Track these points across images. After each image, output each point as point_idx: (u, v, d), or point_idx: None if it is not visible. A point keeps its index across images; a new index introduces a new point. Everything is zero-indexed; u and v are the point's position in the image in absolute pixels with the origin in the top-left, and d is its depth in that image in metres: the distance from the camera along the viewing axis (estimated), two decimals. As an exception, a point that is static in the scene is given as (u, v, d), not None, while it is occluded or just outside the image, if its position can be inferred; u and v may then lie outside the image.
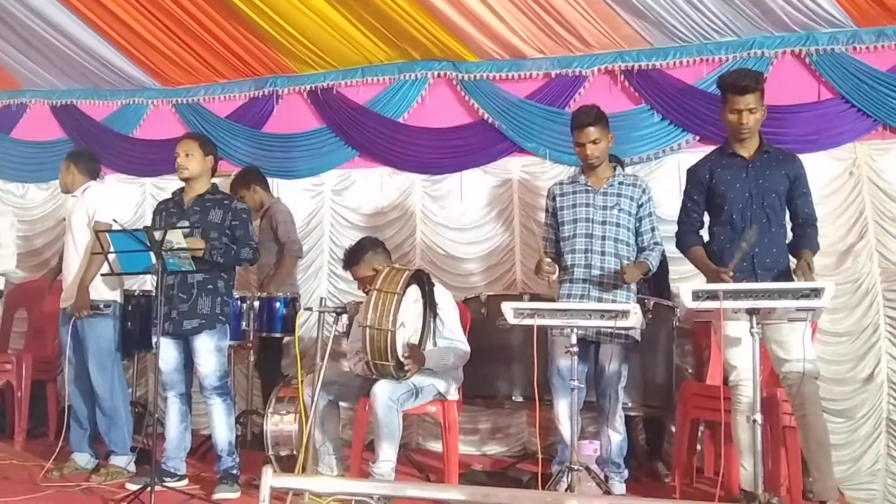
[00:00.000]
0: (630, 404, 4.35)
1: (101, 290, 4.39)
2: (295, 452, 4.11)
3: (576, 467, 3.56)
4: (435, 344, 4.08)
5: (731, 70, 3.91)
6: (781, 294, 3.13)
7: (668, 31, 4.99)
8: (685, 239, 3.85)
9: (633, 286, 4.03)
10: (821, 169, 4.66)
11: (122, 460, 4.44)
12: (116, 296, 4.49)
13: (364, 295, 4.07)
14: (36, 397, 5.44)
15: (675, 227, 3.94)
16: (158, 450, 4.07)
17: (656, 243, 4.08)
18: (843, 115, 4.83)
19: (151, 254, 3.84)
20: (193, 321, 4.13)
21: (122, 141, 6.39)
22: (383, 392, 3.80)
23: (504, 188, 5.55)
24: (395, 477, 3.88)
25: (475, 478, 4.49)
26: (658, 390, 4.51)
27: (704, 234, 3.88)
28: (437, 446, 5.12)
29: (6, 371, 5.33)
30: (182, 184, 4.36)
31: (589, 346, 4.00)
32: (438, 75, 5.68)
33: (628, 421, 4.27)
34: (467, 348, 4.17)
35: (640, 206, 4.07)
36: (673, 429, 4.65)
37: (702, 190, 3.78)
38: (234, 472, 4.18)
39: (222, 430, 4.19)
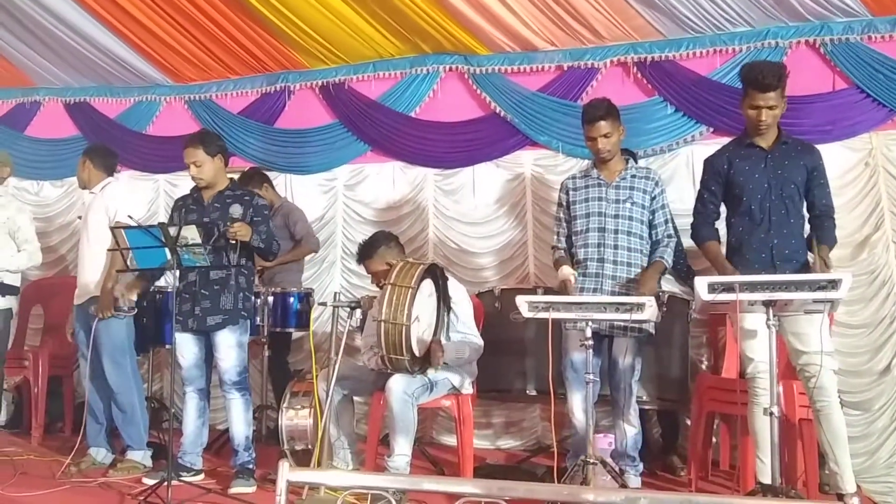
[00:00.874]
0: (645, 397, 4.34)
1: (118, 289, 4.40)
2: (310, 447, 4.12)
3: (591, 461, 3.56)
4: (449, 338, 4.09)
5: (754, 62, 3.84)
6: (798, 286, 3.11)
7: (680, 22, 4.96)
8: (701, 231, 3.83)
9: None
10: (836, 159, 4.63)
11: (139, 455, 4.47)
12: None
13: (378, 289, 4.07)
14: (52, 393, 5.48)
15: (689, 221, 3.92)
16: (175, 444, 4.10)
17: (669, 236, 4.06)
18: (859, 105, 4.78)
19: (167, 250, 3.85)
20: (217, 317, 4.15)
21: (135, 138, 6.41)
22: (398, 386, 3.81)
23: (517, 182, 5.53)
24: (410, 471, 3.89)
25: (490, 472, 4.49)
26: (673, 383, 4.50)
27: (719, 226, 3.86)
28: (451, 440, 5.12)
29: (23, 367, 5.39)
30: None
31: (602, 340, 3.99)
32: (450, 69, 5.66)
33: (643, 414, 4.26)
34: (481, 342, 4.17)
35: (653, 199, 4.06)
36: (688, 422, 4.64)
37: (719, 181, 3.76)
38: (250, 466, 4.20)
39: (240, 425, 4.22)
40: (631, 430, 3.98)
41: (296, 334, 5.45)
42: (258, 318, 4.84)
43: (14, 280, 4.83)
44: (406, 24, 5.38)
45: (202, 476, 4.29)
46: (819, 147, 3.83)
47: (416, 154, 5.76)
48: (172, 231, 3.83)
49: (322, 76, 5.97)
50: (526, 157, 5.51)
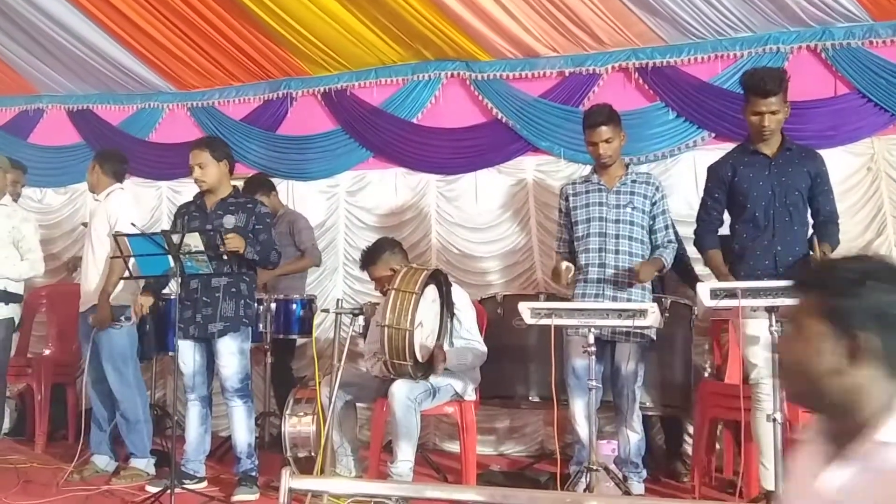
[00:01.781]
0: (648, 404, 4.33)
1: (119, 297, 4.41)
2: (313, 454, 4.12)
3: (594, 467, 3.55)
4: (452, 344, 4.09)
5: (754, 69, 3.86)
6: (800, 291, 3.10)
7: (682, 28, 4.97)
8: (704, 240, 3.83)
9: (648, 284, 4.02)
10: (838, 165, 4.61)
11: (142, 463, 4.47)
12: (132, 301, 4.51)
13: (381, 295, 4.07)
14: (56, 400, 5.48)
15: (691, 228, 3.92)
16: (178, 452, 4.10)
17: (670, 241, 4.06)
18: (861, 110, 4.79)
19: (170, 257, 3.86)
20: (218, 324, 4.15)
21: (137, 145, 6.41)
22: (401, 392, 3.81)
23: (519, 187, 5.53)
24: (413, 477, 3.88)
25: (493, 478, 4.48)
26: (676, 390, 4.49)
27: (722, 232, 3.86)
28: (454, 447, 5.11)
29: (26, 375, 5.38)
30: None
31: (605, 346, 3.98)
32: (452, 75, 5.67)
33: (646, 420, 4.25)
34: (484, 348, 4.17)
35: (653, 204, 4.05)
36: (691, 428, 4.63)
37: (723, 188, 3.77)
38: (253, 473, 4.19)
39: (242, 433, 4.21)
40: (634, 436, 3.97)
41: (299, 341, 5.46)
42: (261, 325, 4.85)
43: (17, 288, 4.84)
44: (408, 31, 5.39)
45: (205, 484, 4.29)
46: (821, 152, 3.84)
47: (418, 160, 5.77)
48: (175, 238, 3.83)
49: (324, 83, 5.97)
50: (528, 163, 5.51)
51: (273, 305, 4.97)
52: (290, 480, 1.90)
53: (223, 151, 4.31)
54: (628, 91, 5.25)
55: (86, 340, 4.56)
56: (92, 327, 4.41)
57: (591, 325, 3.53)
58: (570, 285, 4.07)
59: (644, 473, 4.04)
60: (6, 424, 5.61)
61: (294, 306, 5.09)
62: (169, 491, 3.72)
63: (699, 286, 3.26)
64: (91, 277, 4.53)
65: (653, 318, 3.45)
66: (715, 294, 3.17)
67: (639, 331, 3.82)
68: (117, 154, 4.84)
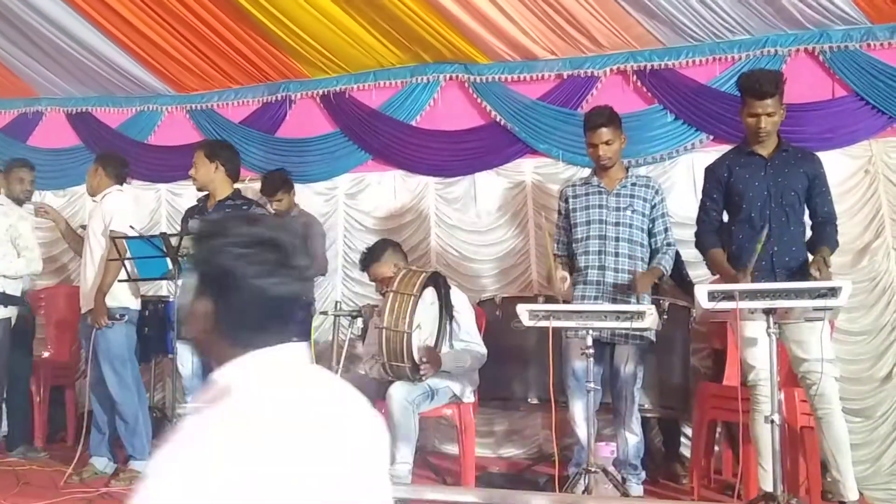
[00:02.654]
0: (646, 405, 4.34)
1: (118, 298, 4.41)
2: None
3: (593, 469, 3.55)
4: (451, 346, 4.09)
5: (751, 71, 3.85)
6: (798, 294, 3.12)
7: (680, 31, 4.98)
8: (705, 240, 3.83)
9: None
10: (836, 167, 4.62)
11: (141, 465, 4.46)
12: (132, 302, 4.51)
13: (381, 297, 4.07)
14: (55, 403, 5.48)
15: (689, 230, 3.92)
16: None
17: (669, 244, 4.07)
18: (858, 113, 4.80)
19: (168, 259, 3.86)
20: None
21: (136, 147, 6.41)
22: (399, 393, 3.81)
23: (517, 190, 5.54)
24: (411, 479, 3.88)
25: (492, 480, 4.48)
26: (674, 391, 4.49)
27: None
28: (452, 449, 5.11)
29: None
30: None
31: (604, 348, 3.98)
32: (450, 78, 5.68)
33: (644, 422, 4.26)
34: (484, 351, 4.17)
35: (653, 207, 4.06)
36: (689, 430, 4.63)
37: (720, 188, 3.77)
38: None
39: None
40: (633, 438, 3.98)
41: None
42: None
43: (15, 290, 4.83)
44: (406, 34, 5.39)
45: (204, 485, 4.28)
46: (819, 154, 3.84)
47: (416, 163, 5.78)
48: (174, 241, 3.84)
49: (323, 85, 5.98)
50: (526, 166, 5.52)
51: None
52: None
53: (219, 155, 4.35)
54: (626, 94, 5.26)
55: (86, 342, 4.56)
56: (91, 327, 4.41)
57: (590, 326, 3.54)
58: (563, 293, 4.06)
59: (643, 475, 4.04)
60: (5, 428, 5.61)
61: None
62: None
63: (697, 288, 3.27)
64: (90, 279, 4.52)
65: (651, 320, 3.45)
66: (712, 296, 3.17)
67: (637, 333, 3.82)
68: (119, 157, 4.85)
